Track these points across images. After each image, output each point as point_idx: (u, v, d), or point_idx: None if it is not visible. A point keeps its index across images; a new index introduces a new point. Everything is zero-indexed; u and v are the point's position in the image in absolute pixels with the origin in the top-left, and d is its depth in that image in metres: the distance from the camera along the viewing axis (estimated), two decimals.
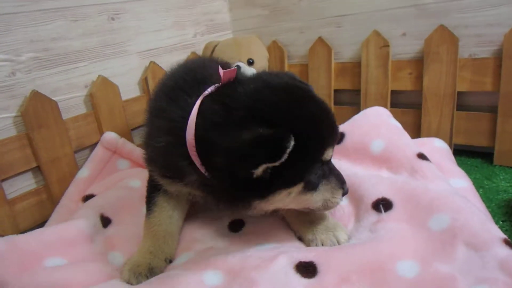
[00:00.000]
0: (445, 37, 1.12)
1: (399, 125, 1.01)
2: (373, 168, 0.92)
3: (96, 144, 1.14)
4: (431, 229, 0.68)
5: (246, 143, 0.57)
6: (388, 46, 1.22)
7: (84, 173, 1.07)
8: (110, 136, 1.14)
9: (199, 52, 1.48)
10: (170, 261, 0.76)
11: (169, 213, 0.79)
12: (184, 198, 0.80)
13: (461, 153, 1.19)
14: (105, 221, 0.88)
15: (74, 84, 1.10)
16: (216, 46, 1.43)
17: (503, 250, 0.60)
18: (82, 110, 1.13)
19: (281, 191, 0.62)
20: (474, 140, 1.16)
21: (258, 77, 0.69)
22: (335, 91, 1.38)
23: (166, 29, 1.34)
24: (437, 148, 1.02)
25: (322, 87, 1.38)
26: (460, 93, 1.15)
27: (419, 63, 1.19)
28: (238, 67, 1.33)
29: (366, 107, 1.21)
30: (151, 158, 0.75)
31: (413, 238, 0.68)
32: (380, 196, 0.78)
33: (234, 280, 0.64)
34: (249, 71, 1.36)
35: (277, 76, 0.70)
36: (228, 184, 0.63)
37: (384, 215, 0.75)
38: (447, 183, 0.81)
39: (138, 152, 1.13)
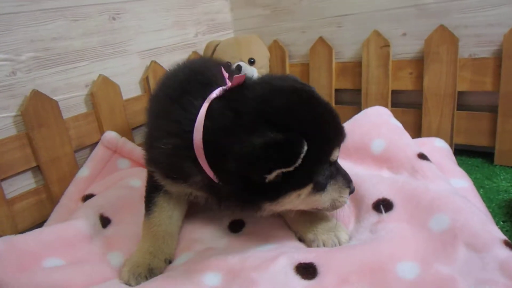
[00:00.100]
0: (445, 37, 1.12)
1: (399, 124, 1.01)
2: (374, 167, 0.92)
3: (96, 143, 1.14)
4: (431, 230, 0.68)
5: (258, 148, 0.57)
6: (389, 46, 1.22)
7: (84, 172, 1.07)
8: (110, 135, 1.14)
9: (200, 51, 1.48)
10: (170, 262, 0.76)
11: (169, 213, 0.79)
12: (184, 198, 0.80)
13: (461, 152, 1.19)
14: (105, 221, 0.88)
15: (74, 84, 1.10)
16: (217, 45, 1.43)
17: (503, 252, 0.60)
18: (82, 109, 1.13)
19: (291, 193, 0.63)
20: (474, 140, 1.16)
21: (264, 80, 0.70)
22: (336, 90, 1.38)
23: (167, 29, 1.34)
24: (438, 148, 1.02)
25: (323, 86, 1.38)
26: (460, 93, 1.15)
27: (419, 63, 1.19)
28: (239, 66, 1.34)
29: (367, 106, 1.21)
30: (155, 159, 0.74)
31: (413, 239, 0.68)
32: (380, 197, 0.78)
33: (234, 281, 0.63)
34: (250, 70, 1.37)
35: (282, 79, 0.70)
36: (237, 188, 0.63)
37: (384, 215, 0.75)
38: (448, 183, 0.81)
39: (139, 152, 1.13)
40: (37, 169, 1.01)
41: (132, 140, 1.23)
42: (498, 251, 0.60)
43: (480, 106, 1.16)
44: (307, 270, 0.64)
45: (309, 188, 0.64)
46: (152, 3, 1.28)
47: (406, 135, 0.97)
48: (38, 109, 0.98)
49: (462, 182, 0.88)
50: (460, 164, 1.02)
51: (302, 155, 0.57)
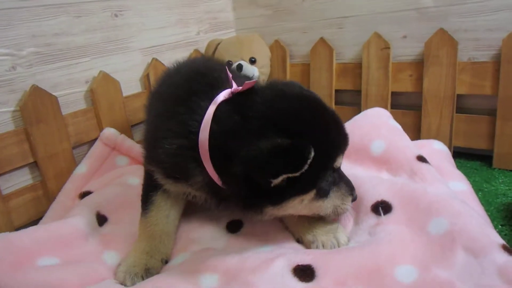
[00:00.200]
0: (445, 40, 1.12)
1: (399, 126, 1.01)
2: (373, 169, 0.92)
3: (95, 140, 1.14)
4: (430, 233, 0.68)
5: (265, 152, 0.58)
6: (389, 48, 1.22)
7: (82, 169, 1.06)
8: (109, 132, 1.14)
9: (202, 49, 1.48)
10: (166, 262, 0.75)
11: (166, 213, 0.78)
12: (182, 198, 0.80)
13: (460, 155, 1.19)
14: (101, 219, 0.87)
15: (75, 80, 1.10)
16: (219, 44, 1.43)
17: (502, 256, 0.60)
18: (82, 105, 1.12)
19: (295, 198, 0.64)
20: (473, 143, 1.16)
21: (272, 86, 0.71)
22: (336, 91, 1.38)
23: (169, 27, 1.34)
24: (437, 150, 1.02)
25: (324, 87, 1.38)
26: (459, 96, 1.15)
27: (419, 65, 1.20)
28: (240, 65, 1.34)
29: (366, 107, 1.21)
30: (157, 159, 0.73)
31: (412, 242, 0.68)
32: (379, 199, 0.78)
33: (231, 283, 0.63)
34: (251, 69, 1.37)
35: (289, 86, 0.71)
36: (241, 191, 0.63)
37: (383, 218, 0.75)
38: (446, 186, 0.81)
39: (138, 149, 1.12)
40: (34, 165, 1.01)
41: (131, 137, 1.22)
42: (497, 256, 0.60)
43: (479, 109, 1.17)
44: (304, 272, 0.64)
45: (312, 194, 0.65)
46: (155, 1, 1.28)
47: (405, 137, 0.97)
48: (37, 105, 0.98)
49: (461, 185, 0.88)
50: (459, 167, 1.02)
51: (309, 161, 0.58)
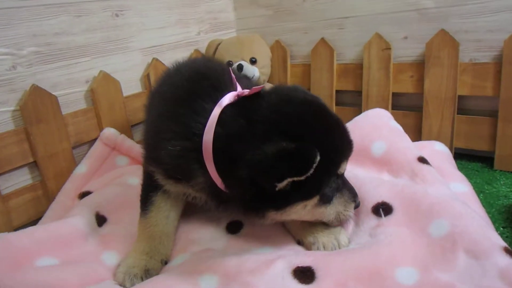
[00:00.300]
0: (446, 41, 1.12)
1: (399, 127, 1.01)
2: (374, 170, 0.92)
3: (95, 140, 1.14)
4: (431, 235, 0.68)
5: (270, 156, 0.58)
6: (390, 49, 1.22)
7: (81, 169, 1.06)
8: (109, 132, 1.14)
9: (202, 50, 1.48)
10: (166, 263, 0.75)
11: (166, 214, 0.78)
12: (182, 199, 0.79)
13: (461, 157, 1.19)
14: (100, 220, 0.87)
15: (75, 79, 1.09)
16: (219, 44, 1.43)
17: (503, 259, 0.59)
18: (82, 105, 1.12)
19: (298, 203, 0.64)
20: (474, 144, 1.16)
21: (277, 91, 0.71)
22: (337, 91, 1.38)
23: (169, 27, 1.34)
24: (438, 151, 1.02)
25: (324, 87, 1.37)
26: (460, 97, 1.15)
27: (420, 66, 1.19)
28: (241, 65, 1.34)
29: (367, 108, 1.21)
30: (159, 160, 0.72)
31: (412, 244, 0.68)
32: (380, 200, 0.78)
33: (230, 284, 0.63)
34: (252, 70, 1.37)
35: (295, 91, 0.71)
36: (245, 194, 0.63)
37: (384, 219, 0.74)
38: (447, 187, 0.81)
39: (138, 149, 1.12)
40: (34, 165, 1.01)
41: (132, 137, 1.22)
42: (498, 259, 0.59)
43: (480, 110, 1.16)
44: (304, 274, 0.63)
45: (315, 199, 0.65)
46: (155, 1, 1.28)
47: (406, 138, 0.97)
48: (37, 104, 0.98)
49: (462, 186, 0.87)
50: (460, 168, 1.02)
51: (315, 165, 0.58)
